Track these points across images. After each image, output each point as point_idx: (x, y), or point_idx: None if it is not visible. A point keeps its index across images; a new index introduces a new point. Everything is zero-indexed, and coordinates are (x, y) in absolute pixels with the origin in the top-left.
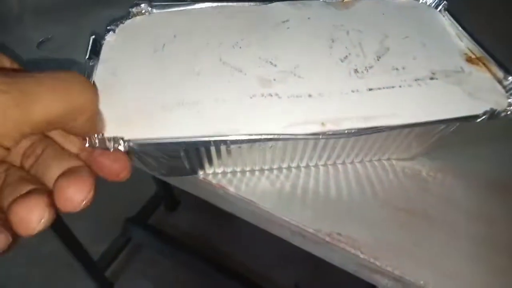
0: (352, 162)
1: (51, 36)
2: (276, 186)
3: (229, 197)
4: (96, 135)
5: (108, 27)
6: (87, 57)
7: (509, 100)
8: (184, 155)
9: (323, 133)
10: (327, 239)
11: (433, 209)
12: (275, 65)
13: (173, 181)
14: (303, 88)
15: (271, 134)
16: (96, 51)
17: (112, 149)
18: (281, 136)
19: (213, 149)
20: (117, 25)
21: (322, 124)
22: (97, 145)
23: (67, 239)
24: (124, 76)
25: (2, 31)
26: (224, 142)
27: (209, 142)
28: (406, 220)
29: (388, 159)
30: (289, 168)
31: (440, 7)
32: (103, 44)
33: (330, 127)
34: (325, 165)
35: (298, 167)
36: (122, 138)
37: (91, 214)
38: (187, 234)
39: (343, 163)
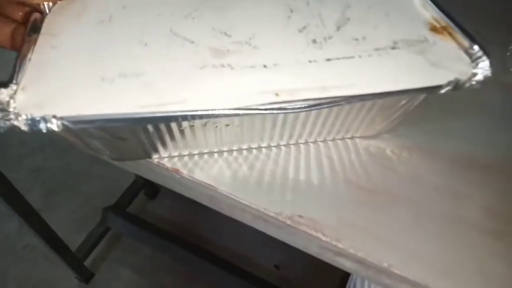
0: (315, 142)
1: None
2: (234, 169)
3: (187, 182)
4: (26, 114)
5: None
6: (26, 33)
7: (474, 70)
8: (130, 135)
9: (277, 104)
10: (288, 222)
11: (398, 188)
12: (230, 36)
13: (127, 166)
14: (257, 59)
15: (219, 109)
16: (37, 28)
17: (45, 131)
18: (229, 112)
19: (162, 127)
20: None
21: (276, 94)
22: (27, 126)
23: (42, 232)
24: (65, 49)
25: None
26: (166, 118)
27: (149, 118)
28: (370, 200)
29: (352, 137)
30: (249, 149)
31: None
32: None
33: (284, 97)
34: (287, 145)
35: (259, 147)
36: (55, 116)
37: (70, 204)
38: (167, 221)
39: (306, 142)
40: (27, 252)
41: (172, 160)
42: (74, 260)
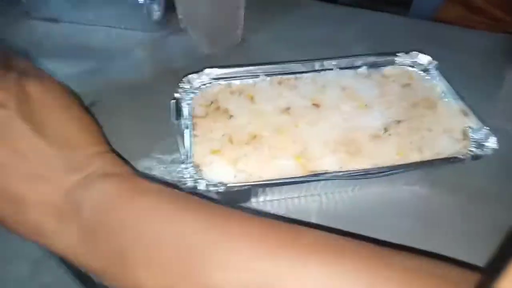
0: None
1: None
2: (323, 208)
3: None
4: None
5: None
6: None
7: (487, 144)
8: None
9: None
10: None
11: (432, 215)
12: None
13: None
14: None
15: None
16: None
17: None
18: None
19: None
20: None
21: None
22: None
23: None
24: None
25: None
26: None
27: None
28: (413, 226)
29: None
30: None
31: None
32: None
33: None
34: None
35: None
36: (221, 182)
37: None
38: None
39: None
40: None
41: (266, 204)
42: None
